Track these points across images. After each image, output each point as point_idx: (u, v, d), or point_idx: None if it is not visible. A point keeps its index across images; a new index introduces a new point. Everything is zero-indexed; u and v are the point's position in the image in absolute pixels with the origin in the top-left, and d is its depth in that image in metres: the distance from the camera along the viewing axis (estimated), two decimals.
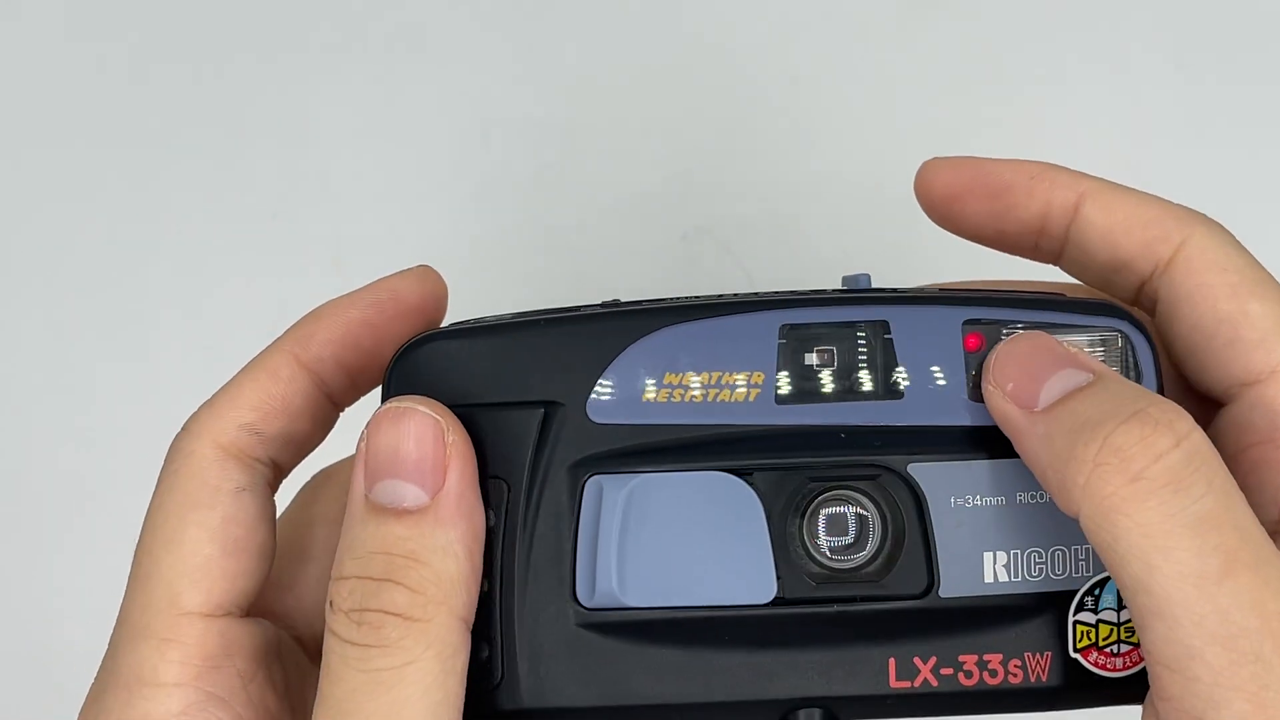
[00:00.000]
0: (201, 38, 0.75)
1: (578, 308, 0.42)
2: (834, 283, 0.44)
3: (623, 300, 0.42)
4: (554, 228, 0.71)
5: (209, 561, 0.40)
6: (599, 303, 0.42)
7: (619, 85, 0.74)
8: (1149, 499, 0.35)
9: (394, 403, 0.39)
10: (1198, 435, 0.37)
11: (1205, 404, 0.43)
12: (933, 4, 0.74)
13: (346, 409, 0.45)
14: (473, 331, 0.41)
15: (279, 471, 0.43)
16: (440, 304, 0.45)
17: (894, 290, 0.42)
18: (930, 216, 0.45)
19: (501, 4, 0.75)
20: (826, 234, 0.70)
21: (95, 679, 0.41)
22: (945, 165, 0.45)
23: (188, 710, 0.40)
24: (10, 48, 0.76)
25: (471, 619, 0.38)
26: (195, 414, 0.42)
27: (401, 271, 0.44)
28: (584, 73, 0.74)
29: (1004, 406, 0.39)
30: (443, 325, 0.43)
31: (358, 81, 0.75)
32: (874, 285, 0.44)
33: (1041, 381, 0.38)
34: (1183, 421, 0.37)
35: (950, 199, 0.44)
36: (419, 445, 0.38)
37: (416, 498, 0.38)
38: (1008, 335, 0.41)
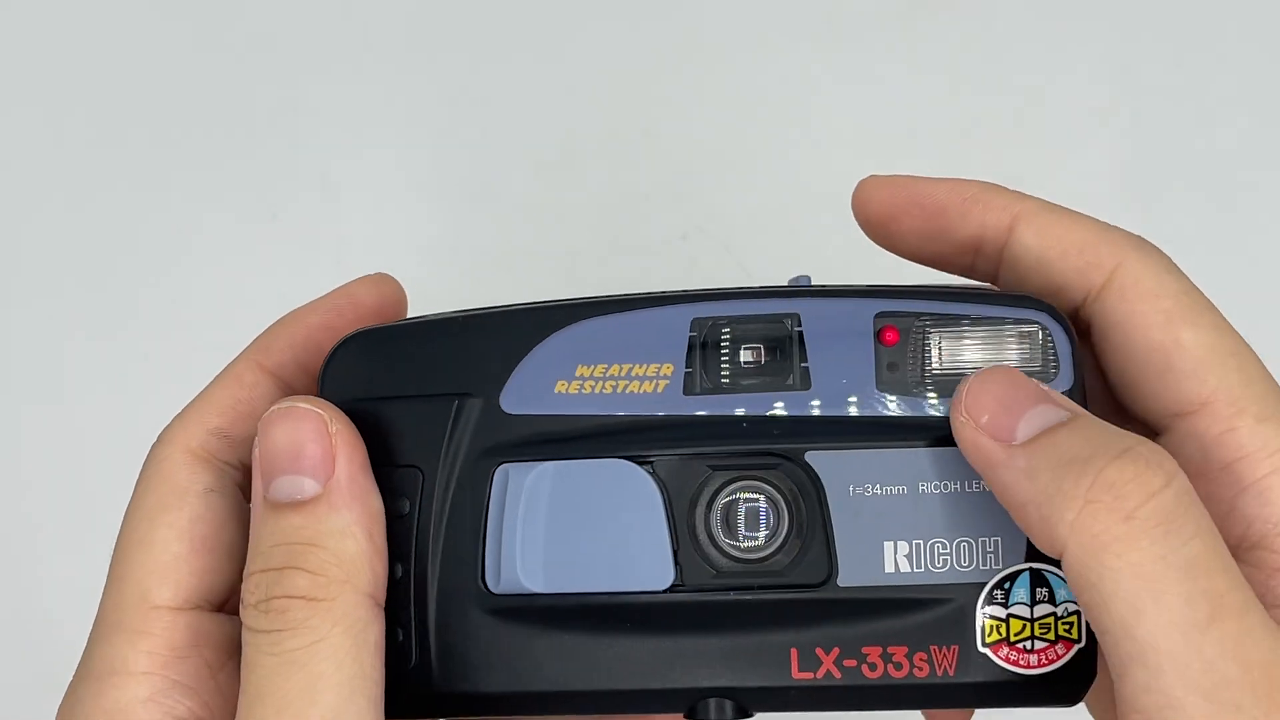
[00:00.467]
0: (202, 38, 0.76)
1: (503, 306, 0.43)
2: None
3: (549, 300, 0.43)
4: (554, 227, 0.72)
5: (177, 559, 0.42)
6: (525, 303, 0.43)
7: (620, 86, 0.74)
8: (1141, 539, 0.35)
9: (277, 405, 0.40)
10: (1183, 476, 0.36)
11: (1144, 430, 0.42)
12: (933, 6, 0.73)
13: None
14: (399, 328, 0.43)
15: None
16: (398, 307, 0.46)
17: (812, 286, 0.42)
18: (868, 235, 0.45)
19: (503, 5, 0.75)
20: (826, 233, 0.69)
21: (74, 675, 0.43)
22: (882, 184, 0.44)
23: (154, 696, 0.41)
24: (11, 48, 0.77)
25: (382, 596, 0.39)
26: (168, 424, 0.44)
27: (359, 278, 0.46)
28: (585, 74, 0.75)
29: (977, 438, 0.38)
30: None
31: (358, 82, 0.76)
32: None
33: (1018, 415, 0.38)
34: (1170, 461, 0.36)
35: (886, 219, 0.44)
36: (305, 439, 0.39)
37: (310, 489, 0.39)
38: (921, 327, 0.40)
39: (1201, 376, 0.40)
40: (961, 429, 0.38)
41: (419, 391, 0.41)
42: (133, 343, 0.75)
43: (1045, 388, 0.39)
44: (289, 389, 0.44)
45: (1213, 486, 0.39)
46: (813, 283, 0.44)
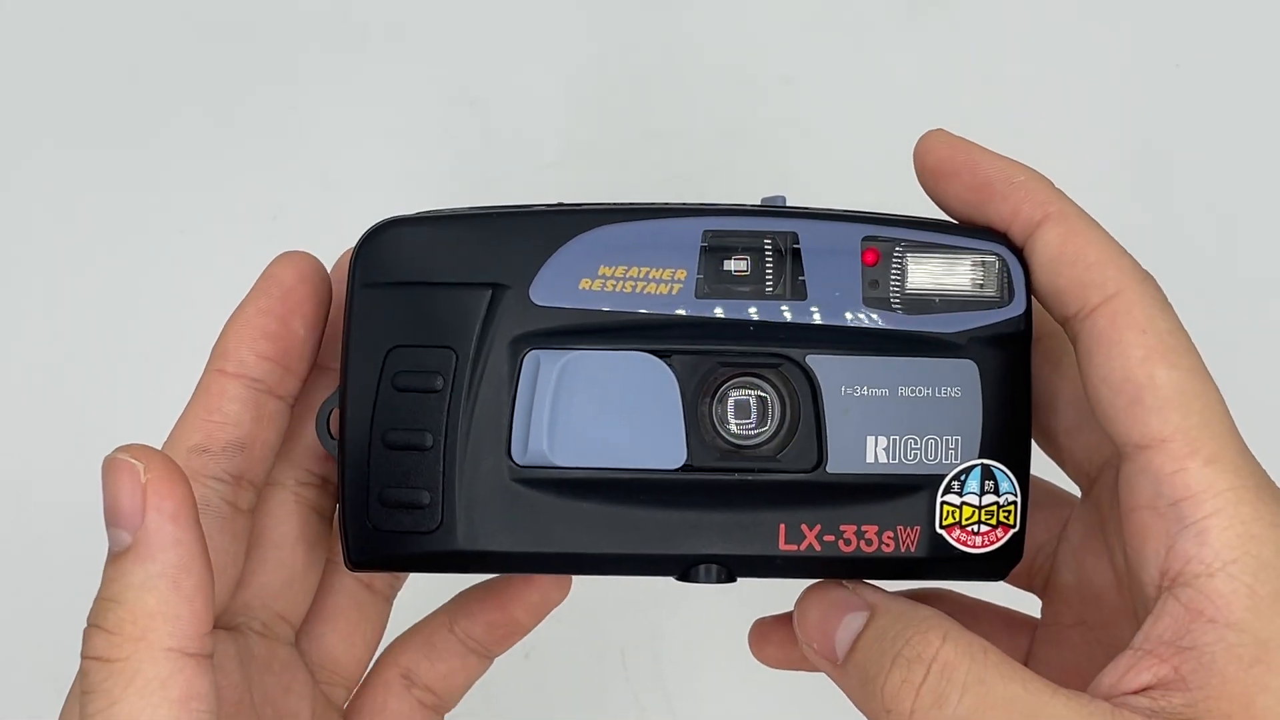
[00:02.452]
0: (201, 37, 0.76)
1: (529, 206, 0.47)
2: None
3: (569, 203, 0.48)
4: None
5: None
6: (547, 204, 0.48)
7: (620, 85, 0.76)
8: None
9: (109, 454, 0.41)
10: (945, 649, 0.42)
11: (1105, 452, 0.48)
12: (931, 4, 0.76)
13: (294, 398, 0.48)
14: (434, 219, 0.47)
15: (243, 483, 0.46)
16: (316, 272, 0.48)
17: (805, 208, 0.48)
18: (920, 183, 0.48)
19: (503, 5, 0.76)
20: None
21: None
22: (943, 142, 0.47)
23: None
24: (8, 48, 0.76)
25: (194, 644, 0.40)
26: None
27: (274, 261, 0.48)
28: (586, 73, 0.76)
29: (817, 660, 0.46)
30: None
31: (358, 82, 0.76)
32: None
33: (832, 636, 0.45)
34: (928, 646, 0.43)
35: (938, 175, 0.47)
36: (119, 491, 0.40)
37: (125, 541, 0.40)
38: (900, 252, 0.46)
39: (1165, 414, 0.43)
40: (806, 653, 0.46)
41: (454, 279, 0.45)
42: (132, 343, 0.75)
43: (847, 591, 0.46)
44: (258, 383, 0.46)
45: (1161, 521, 0.43)
46: (788, 202, 0.50)
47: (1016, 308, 0.47)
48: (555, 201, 0.48)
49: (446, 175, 0.76)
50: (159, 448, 0.44)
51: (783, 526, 0.45)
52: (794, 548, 0.45)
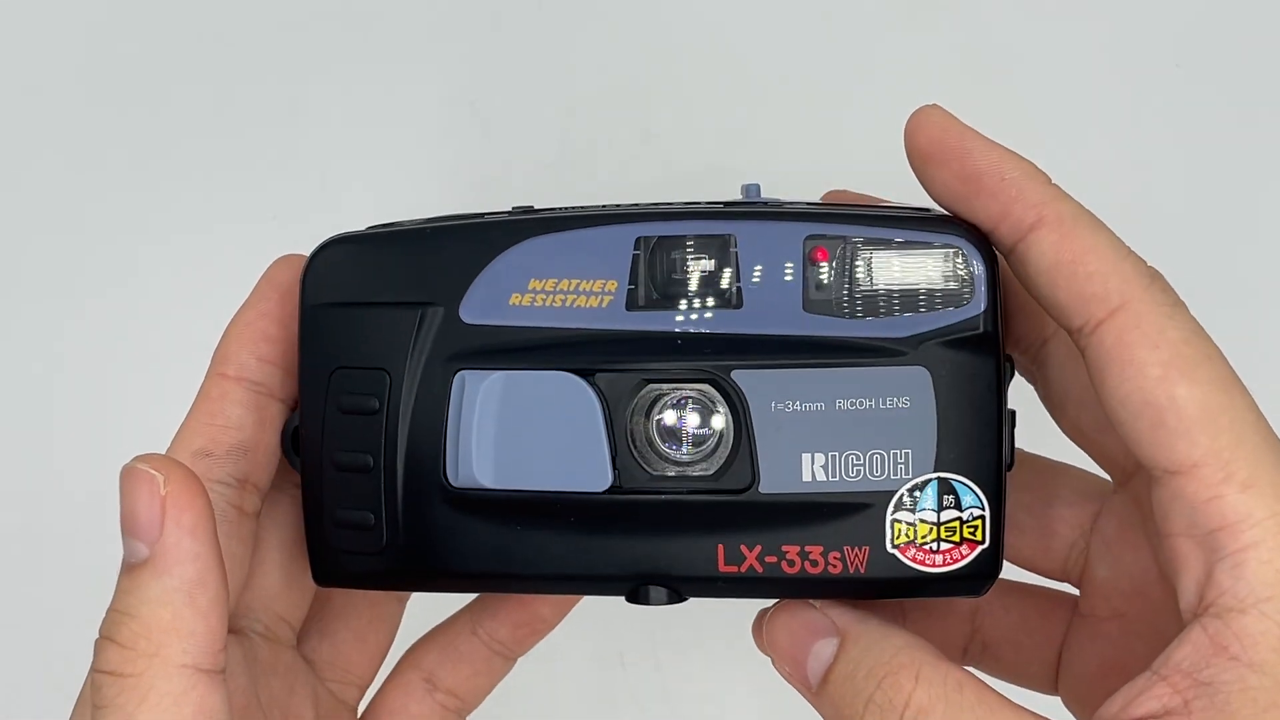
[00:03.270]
0: (201, 38, 0.76)
1: (472, 216, 0.46)
2: None
3: (535, 207, 0.46)
4: None
5: None
6: (495, 212, 0.46)
7: (619, 84, 0.74)
8: None
9: (128, 463, 0.41)
10: (918, 693, 0.41)
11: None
12: (930, 3, 0.74)
13: (295, 400, 0.47)
14: (374, 237, 0.46)
15: (247, 486, 0.47)
16: None
17: (748, 204, 0.45)
18: (910, 166, 0.44)
19: (503, 5, 0.75)
20: None
21: None
22: (935, 122, 0.43)
23: None
24: (6, 48, 0.77)
25: (208, 659, 0.40)
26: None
27: (273, 263, 0.48)
28: (585, 75, 0.75)
29: (791, 682, 0.44)
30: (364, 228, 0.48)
31: (358, 82, 0.76)
32: (763, 196, 0.47)
33: (805, 664, 0.43)
34: (900, 692, 0.41)
35: (927, 159, 0.43)
36: (137, 502, 0.40)
37: (143, 553, 0.40)
38: (848, 250, 0.43)
39: (1193, 437, 0.40)
40: (779, 672, 0.45)
41: (388, 299, 0.45)
42: (132, 344, 0.76)
43: (816, 611, 0.44)
44: (260, 387, 0.47)
45: (1198, 550, 0.40)
46: (762, 192, 0.47)
47: (977, 306, 0.43)
48: (514, 207, 0.47)
49: (447, 176, 0.75)
50: (163, 453, 0.45)
51: (721, 548, 0.43)
52: (735, 569, 0.43)
